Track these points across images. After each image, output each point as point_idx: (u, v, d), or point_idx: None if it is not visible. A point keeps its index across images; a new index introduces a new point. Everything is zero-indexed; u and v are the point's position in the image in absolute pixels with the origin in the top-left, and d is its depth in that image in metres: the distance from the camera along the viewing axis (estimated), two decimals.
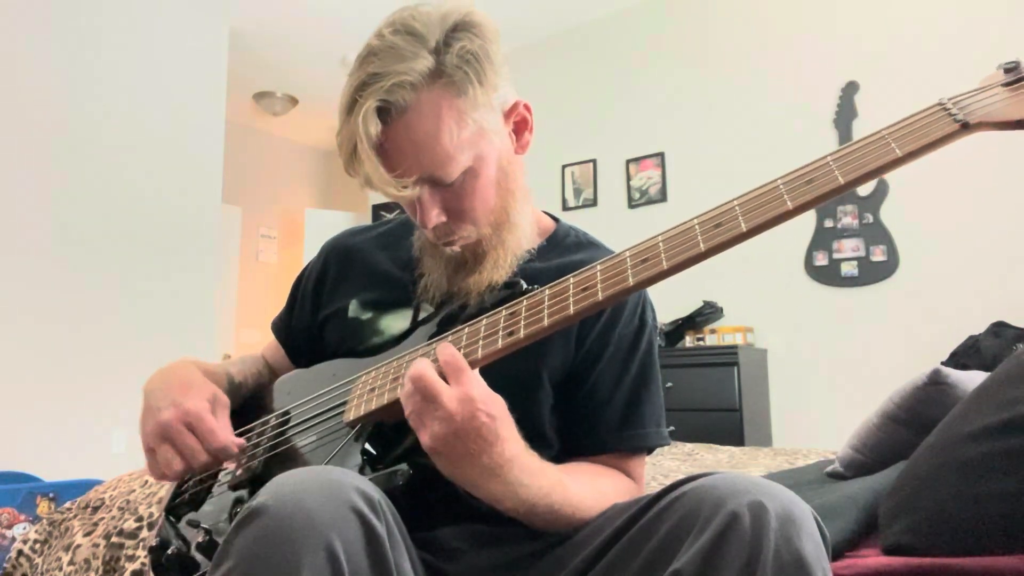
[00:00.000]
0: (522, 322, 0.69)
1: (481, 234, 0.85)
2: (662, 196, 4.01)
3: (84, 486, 2.58)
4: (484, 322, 0.73)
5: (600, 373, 0.87)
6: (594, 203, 4.26)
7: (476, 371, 0.69)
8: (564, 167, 4.38)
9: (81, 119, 3.65)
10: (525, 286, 0.78)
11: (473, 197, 0.83)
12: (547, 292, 0.70)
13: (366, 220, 5.75)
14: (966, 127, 0.56)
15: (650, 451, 0.91)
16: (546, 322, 0.67)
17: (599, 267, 0.68)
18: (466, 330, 0.74)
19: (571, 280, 0.69)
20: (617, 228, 4.09)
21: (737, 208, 0.62)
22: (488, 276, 0.85)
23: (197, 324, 4.00)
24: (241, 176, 5.71)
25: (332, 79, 5.15)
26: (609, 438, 0.86)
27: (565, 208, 4.34)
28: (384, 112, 0.77)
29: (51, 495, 2.70)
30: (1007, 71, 0.58)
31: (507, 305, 0.73)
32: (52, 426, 3.39)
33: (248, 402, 0.94)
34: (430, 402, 0.65)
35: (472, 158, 0.81)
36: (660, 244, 0.65)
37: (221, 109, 4.30)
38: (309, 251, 5.70)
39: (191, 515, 0.84)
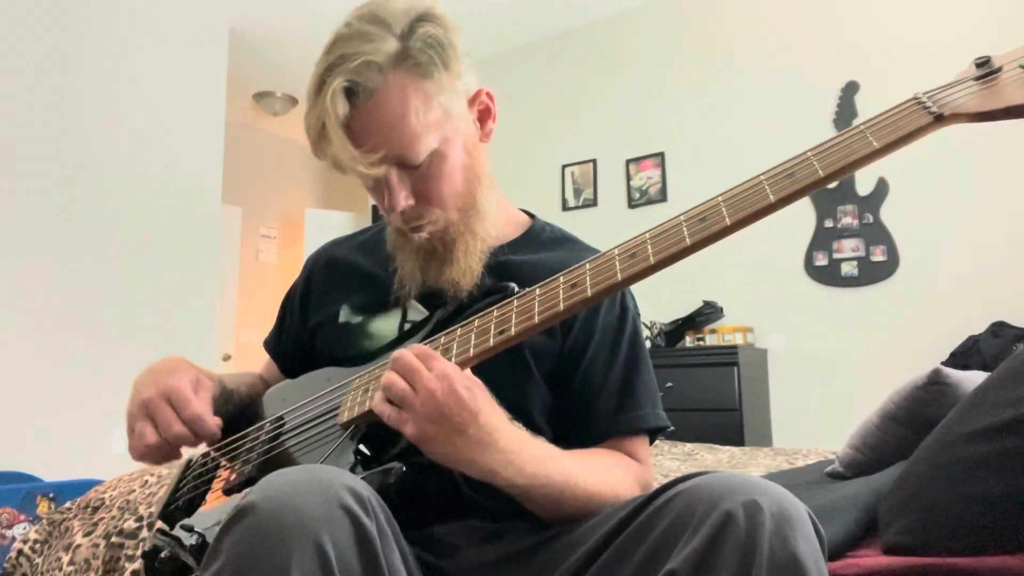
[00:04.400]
0: (513, 320, 0.70)
1: (448, 219, 0.86)
2: (662, 196, 4.01)
3: (84, 486, 2.58)
4: (476, 322, 0.74)
5: (589, 362, 0.88)
6: (594, 203, 4.26)
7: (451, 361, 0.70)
8: (564, 167, 4.37)
9: (80, 119, 3.65)
10: (516, 289, 0.79)
11: (440, 180, 0.84)
12: (537, 291, 0.71)
13: (366, 220, 5.75)
14: (940, 119, 0.58)
15: (651, 435, 0.91)
16: (536, 319, 0.68)
17: (588, 265, 0.69)
18: (459, 331, 0.75)
19: (561, 279, 0.70)
20: (617, 228, 4.09)
21: (721, 203, 0.64)
22: (464, 265, 0.86)
23: (197, 324, 4.00)
24: (241, 176, 5.71)
25: None
26: (607, 424, 0.87)
27: (565, 208, 4.34)
28: (352, 93, 0.79)
29: (51, 495, 2.70)
30: (978, 66, 0.61)
31: (498, 305, 0.74)
32: (52, 426, 3.39)
33: (242, 411, 0.94)
34: (412, 381, 0.67)
35: (439, 140, 0.82)
36: (647, 240, 0.67)
37: (221, 109, 4.30)
38: (309, 251, 5.67)
39: (185, 520, 0.84)
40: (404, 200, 0.83)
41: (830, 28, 3.61)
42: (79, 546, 1.32)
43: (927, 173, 3.23)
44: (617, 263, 0.67)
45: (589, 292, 0.66)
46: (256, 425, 0.90)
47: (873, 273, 3.34)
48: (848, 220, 3.42)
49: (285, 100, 5.46)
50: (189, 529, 0.78)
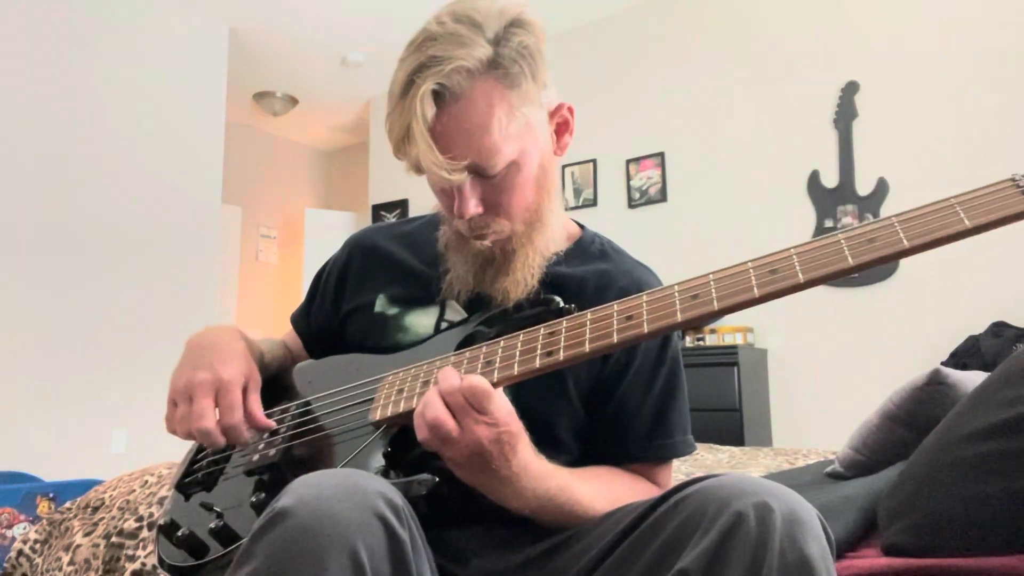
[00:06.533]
0: (562, 344, 0.69)
1: (514, 231, 0.85)
2: (662, 196, 4.01)
3: (84, 486, 2.58)
4: (521, 338, 0.73)
5: (628, 385, 0.88)
6: (594, 203, 4.26)
7: (500, 389, 0.70)
8: (564, 167, 4.38)
9: (81, 119, 3.65)
10: (562, 304, 0.78)
11: (512, 191, 0.83)
12: (589, 316, 0.70)
13: (366, 220, 5.75)
14: None
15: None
16: (587, 348, 0.67)
17: (645, 298, 0.68)
18: (502, 343, 0.74)
19: (615, 307, 0.69)
20: (617, 228, 4.08)
21: (795, 257, 0.62)
22: (520, 277, 0.85)
23: (197, 324, 3.97)
24: (241, 176, 5.71)
25: (332, 79, 5.15)
26: (637, 448, 0.88)
27: (565, 208, 4.32)
28: (438, 96, 0.77)
29: (51, 495, 2.70)
30: None
31: (546, 324, 0.72)
32: (52, 426, 3.39)
33: (267, 384, 0.93)
34: (460, 421, 0.67)
35: (517, 152, 0.81)
36: (711, 283, 0.65)
37: (221, 109, 4.30)
38: (309, 251, 5.69)
39: (203, 496, 0.83)
40: (474, 208, 0.82)
41: (830, 28, 3.61)
42: (79, 546, 1.32)
43: (927, 173, 3.23)
44: (677, 302, 0.65)
45: (646, 329, 0.65)
46: (282, 406, 0.89)
47: (873, 273, 3.34)
48: (848, 220, 3.42)
49: (285, 100, 5.46)
50: (208, 508, 0.77)
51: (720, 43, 3.94)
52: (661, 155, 4.05)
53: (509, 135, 0.79)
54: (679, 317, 0.64)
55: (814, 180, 3.55)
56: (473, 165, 0.79)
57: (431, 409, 0.68)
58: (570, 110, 0.89)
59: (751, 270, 0.63)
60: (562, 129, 0.89)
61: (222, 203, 4.28)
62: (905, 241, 0.58)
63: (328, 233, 5.56)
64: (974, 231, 0.57)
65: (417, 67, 0.77)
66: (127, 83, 3.85)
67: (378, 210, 5.72)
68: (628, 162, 4.16)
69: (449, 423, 0.67)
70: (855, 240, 0.60)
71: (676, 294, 0.66)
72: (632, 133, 4.17)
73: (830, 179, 3.51)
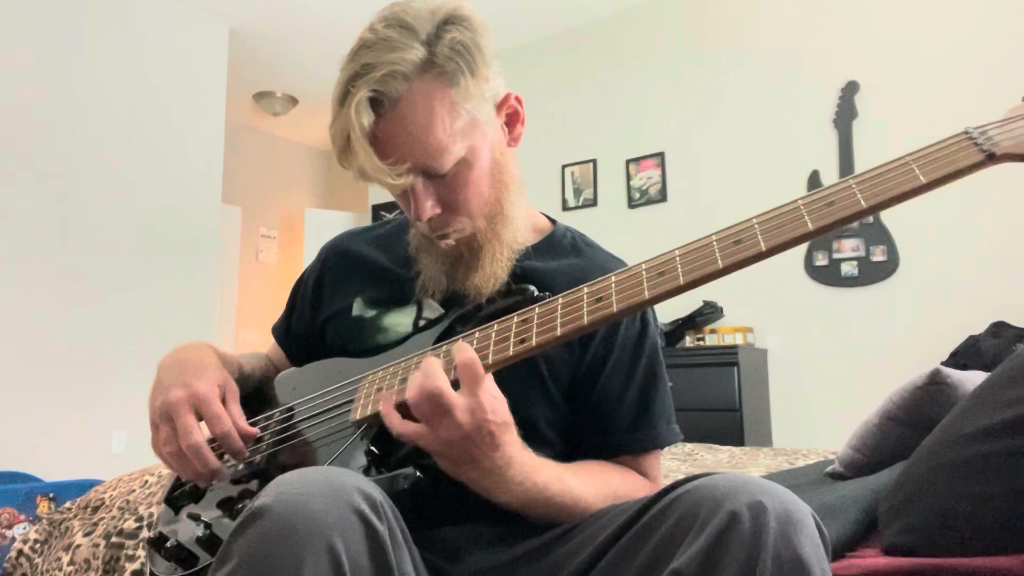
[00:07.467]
0: (534, 330, 0.69)
1: (476, 227, 0.85)
2: (662, 196, 4.01)
3: (84, 486, 2.58)
4: (495, 327, 0.73)
5: (608, 377, 0.87)
6: (594, 203, 4.26)
7: (488, 375, 0.69)
8: (564, 167, 4.38)
9: (81, 119, 3.65)
10: (536, 292, 0.78)
11: (467, 188, 0.83)
12: (560, 301, 0.70)
13: (366, 220, 5.75)
14: (991, 158, 0.56)
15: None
16: (559, 331, 0.67)
17: (614, 278, 0.68)
18: (477, 334, 0.74)
19: (585, 290, 0.69)
20: (617, 228, 4.09)
21: (756, 226, 0.62)
22: (490, 272, 0.85)
23: (197, 324, 4.01)
24: (241, 176, 5.71)
25: (332, 79, 5.10)
26: (622, 439, 0.87)
27: (565, 208, 4.34)
28: (377, 103, 0.78)
29: (51, 495, 2.70)
30: None
31: (519, 312, 0.73)
32: (52, 426, 3.39)
33: (251, 395, 0.94)
34: (442, 410, 0.66)
35: (465, 149, 0.81)
36: (677, 258, 0.65)
37: (221, 109, 4.30)
38: (309, 251, 5.69)
39: (191, 508, 0.83)
40: (430, 209, 0.82)
41: (830, 28, 3.61)
42: (79, 546, 1.32)
43: None
44: (645, 280, 0.65)
45: (615, 308, 0.65)
46: (265, 414, 0.90)
47: (873, 273, 3.34)
48: None
49: (285, 100, 5.46)
50: (196, 518, 0.77)
51: (720, 43, 3.94)
52: (661, 155, 4.04)
53: (454, 132, 0.79)
54: (647, 294, 0.64)
55: (814, 180, 3.55)
56: (421, 166, 0.79)
57: (414, 401, 0.67)
58: (518, 99, 0.88)
59: (715, 243, 0.63)
60: (513, 120, 0.88)
61: (222, 203, 4.28)
62: (862, 201, 0.58)
63: (328, 233, 5.51)
64: (930, 186, 0.57)
65: (351, 76, 0.79)
66: (127, 83, 3.85)
67: (378, 210, 5.72)
68: (628, 162, 4.16)
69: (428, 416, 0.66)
70: (814, 205, 0.61)
71: (643, 272, 0.66)
72: (632, 133, 4.17)
73: (830, 179, 3.51)
